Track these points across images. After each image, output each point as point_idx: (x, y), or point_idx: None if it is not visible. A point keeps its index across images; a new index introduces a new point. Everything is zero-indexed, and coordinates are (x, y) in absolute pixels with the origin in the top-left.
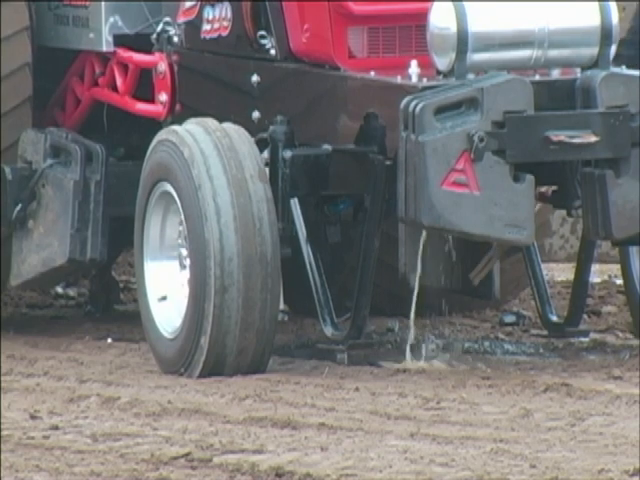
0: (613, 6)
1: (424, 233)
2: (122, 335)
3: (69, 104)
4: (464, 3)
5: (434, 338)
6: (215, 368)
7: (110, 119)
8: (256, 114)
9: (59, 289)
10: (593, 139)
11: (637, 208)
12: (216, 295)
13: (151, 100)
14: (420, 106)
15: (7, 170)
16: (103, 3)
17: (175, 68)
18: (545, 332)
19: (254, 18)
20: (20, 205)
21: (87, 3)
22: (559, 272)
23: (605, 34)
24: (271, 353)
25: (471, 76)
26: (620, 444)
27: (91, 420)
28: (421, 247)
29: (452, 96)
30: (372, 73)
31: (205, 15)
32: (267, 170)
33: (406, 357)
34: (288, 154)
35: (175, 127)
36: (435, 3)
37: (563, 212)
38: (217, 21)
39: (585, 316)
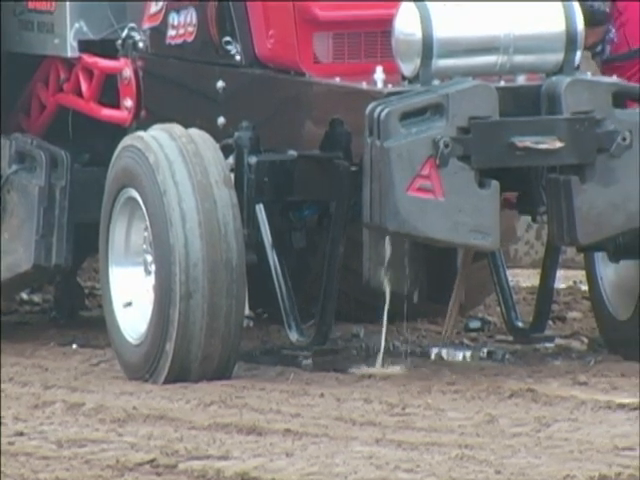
0: (578, 12)
1: (388, 239)
2: (87, 341)
3: (34, 110)
4: (429, 9)
5: (399, 344)
6: (180, 374)
7: (75, 125)
8: (221, 120)
9: (24, 295)
10: (558, 145)
11: (602, 214)
12: (181, 301)
13: (116, 106)
14: (385, 112)
15: None
16: (68, 9)
17: (140, 74)
18: (510, 338)
19: (219, 24)
20: None
21: (52, 9)
22: (524, 278)
23: (570, 40)
24: (236, 359)
25: (436, 82)
26: (585, 450)
27: (56, 426)
28: (387, 253)
29: (417, 102)
30: (337, 79)
31: (170, 21)
32: (232, 176)
33: (371, 363)
34: (253, 160)
35: (140, 133)
36: (400, 9)
37: (528, 218)
38: (182, 27)
39: (550, 322)
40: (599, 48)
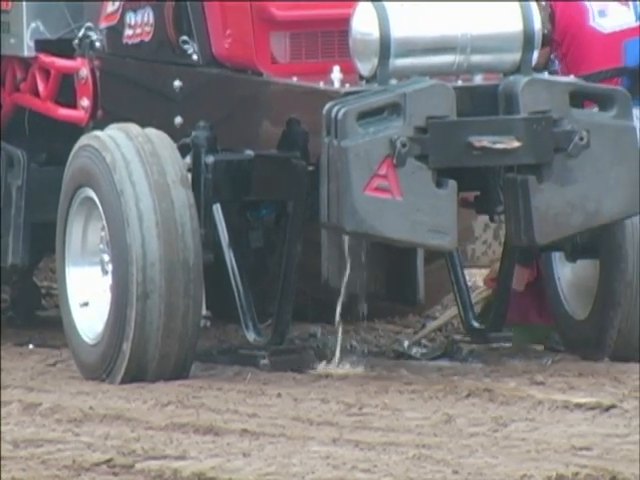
0: (536, 12)
1: (346, 239)
2: (44, 341)
3: None
4: (387, 8)
5: (357, 344)
6: (137, 374)
7: (32, 124)
8: (178, 119)
9: None
10: (515, 145)
11: (559, 214)
12: (138, 301)
13: (73, 105)
14: (342, 111)
15: None
16: (25, 9)
17: (97, 73)
18: (467, 337)
19: (176, 23)
20: None
21: (8, 8)
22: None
23: (527, 40)
24: (193, 359)
25: (394, 81)
26: (542, 450)
27: (12, 426)
28: (345, 253)
29: (374, 101)
30: (295, 79)
31: (127, 20)
32: (189, 176)
33: (328, 363)
34: (210, 159)
35: (97, 132)
36: (357, 9)
37: (486, 218)
38: (139, 26)
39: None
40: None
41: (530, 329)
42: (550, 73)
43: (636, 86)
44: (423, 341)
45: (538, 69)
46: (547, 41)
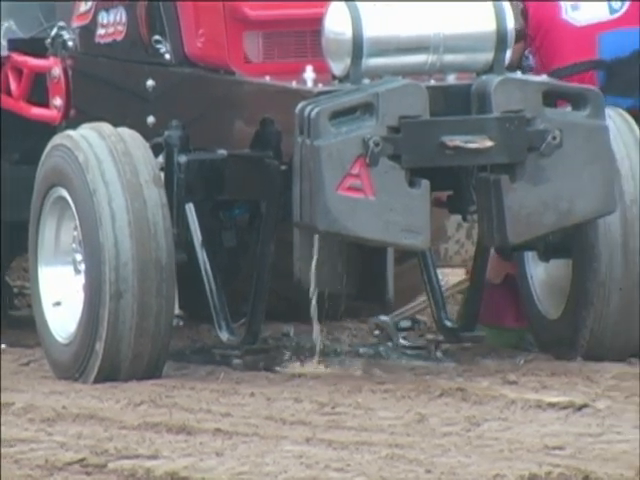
0: (508, 11)
1: (319, 238)
2: (17, 341)
3: None
4: (359, 8)
5: (330, 343)
6: (110, 373)
7: (4, 123)
8: (151, 119)
9: None
10: (488, 144)
11: (532, 213)
12: (111, 300)
13: (46, 105)
14: (315, 111)
15: None
16: None
17: (70, 73)
18: (440, 337)
19: (149, 22)
20: None
21: None
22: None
23: (500, 39)
24: (166, 358)
25: (366, 81)
26: (515, 449)
27: None
28: (316, 252)
29: (347, 101)
30: (267, 78)
31: (100, 20)
32: (162, 175)
33: (301, 362)
34: (183, 159)
35: (70, 132)
36: (330, 8)
37: (459, 217)
38: (112, 26)
39: None
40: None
41: (505, 332)
42: (525, 68)
43: (613, 81)
44: (402, 340)
45: (512, 65)
46: (520, 36)
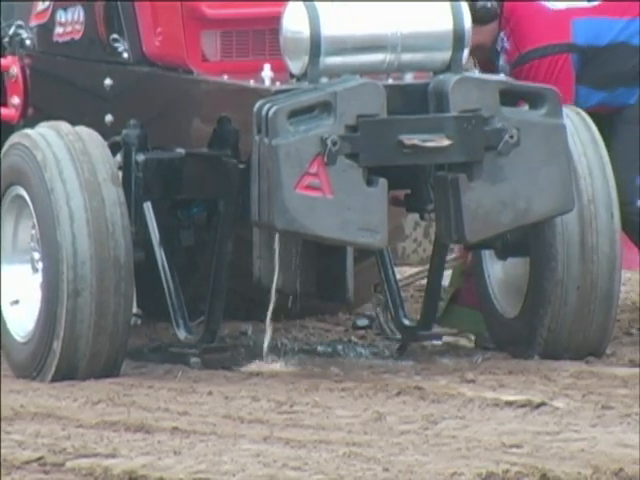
0: (466, 10)
1: (278, 237)
2: None
3: None
4: (317, 7)
5: (287, 342)
6: (68, 372)
7: None
8: (109, 118)
9: None
10: (446, 143)
11: (490, 212)
12: (69, 299)
13: (3, 103)
14: (273, 110)
15: None
16: None
17: (28, 71)
18: (398, 335)
19: (107, 21)
20: None
21: None
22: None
23: (457, 38)
24: (124, 357)
25: (324, 80)
26: (473, 447)
27: None
28: (276, 251)
29: (305, 100)
30: (225, 77)
31: (58, 18)
32: (120, 174)
33: (259, 361)
34: (141, 158)
35: (28, 131)
36: (288, 7)
37: (416, 216)
38: (70, 24)
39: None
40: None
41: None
42: (499, 50)
43: (586, 69)
44: (353, 339)
45: (486, 46)
46: (494, 16)
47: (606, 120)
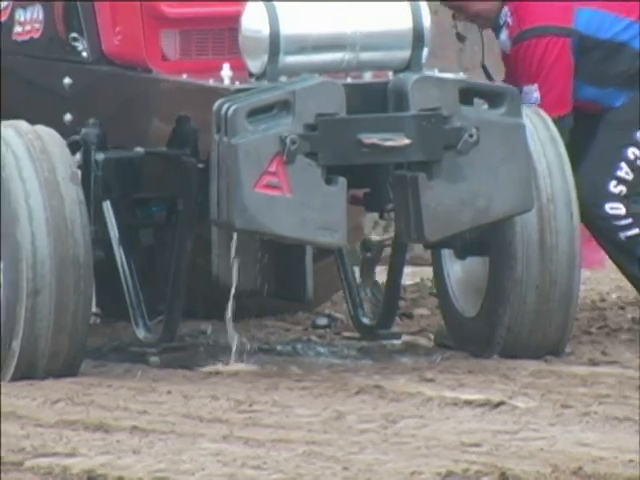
0: (425, 9)
1: (236, 236)
2: None
3: None
4: (276, 6)
5: (247, 341)
6: (27, 371)
7: None
8: (68, 117)
9: None
10: (405, 142)
11: (449, 211)
12: (28, 298)
13: None
14: (232, 109)
15: None
16: None
17: None
18: (357, 335)
19: (66, 20)
20: None
21: None
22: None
23: (417, 37)
24: (83, 356)
25: (284, 79)
26: (432, 446)
27: None
28: (234, 250)
29: (264, 99)
30: (185, 76)
31: (17, 17)
32: (79, 173)
33: (218, 360)
34: (100, 157)
35: None
36: (247, 6)
37: (375, 215)
38: (29, 23)
39: (397, 318)
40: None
41: None
42: (501, 25)
43: (582, 59)
44: (313, 338)
45: (489, 15)
46: None
47: (588, 120)
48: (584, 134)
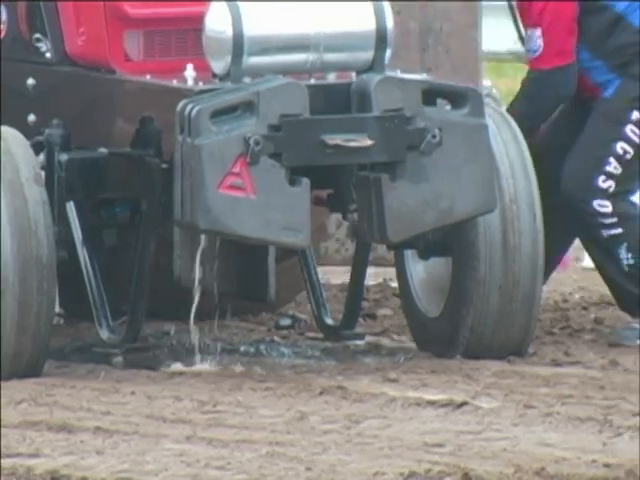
0: (388, 10)
1: (200, 237)
2: None
3: None
4: (240, 6)
5: (210, 341)
6: None
7: None
8: (32, 117)
9: None
10: (368, 143)
11: (412, 211)
12: None
13: None
14: (196, 110)
15: None
16: None
17: None
18: (321, 335)
19: (30, 21)
20: None
21: None
22: (335, 275)
23: (380, 38)
24: (47, 357)
25: (247, 80)
26: (395, 447)
27: None
28: (198, 251)
29: (228, 100)
30: (148, 76)
31: None
32: (43, 173)
33: (182, 361)
34: (64, 157)
35: None
36: (211, 7)
37: (339, 215)
38: None
39: (360, 319)
40: None
41: None
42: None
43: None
44: (276, 339)
45: None
46: None
47: (579, 109)
48: (572, 125)
